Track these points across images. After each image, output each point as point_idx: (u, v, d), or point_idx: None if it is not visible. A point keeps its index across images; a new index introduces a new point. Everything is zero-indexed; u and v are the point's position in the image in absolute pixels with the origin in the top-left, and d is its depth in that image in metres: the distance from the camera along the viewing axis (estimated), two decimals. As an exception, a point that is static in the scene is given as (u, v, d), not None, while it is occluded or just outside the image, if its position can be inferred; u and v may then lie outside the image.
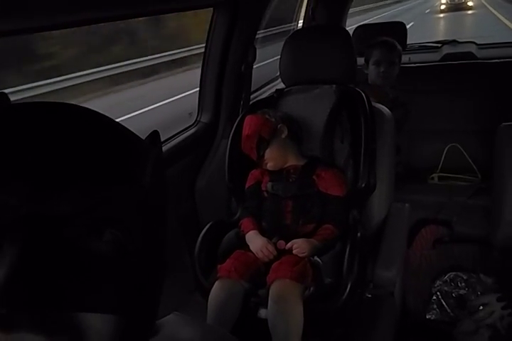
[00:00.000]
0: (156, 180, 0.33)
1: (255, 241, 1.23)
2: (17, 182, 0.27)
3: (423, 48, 2.71)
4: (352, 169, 1.32)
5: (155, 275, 0.33)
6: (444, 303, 1.49)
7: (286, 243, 1.19)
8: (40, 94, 5.23)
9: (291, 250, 1.17)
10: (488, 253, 1.50)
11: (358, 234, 1.22)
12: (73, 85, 5.86)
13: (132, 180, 0.31)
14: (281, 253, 1.19)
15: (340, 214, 1.26)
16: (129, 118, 4.77)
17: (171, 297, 0.37)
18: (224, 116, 1.70)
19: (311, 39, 1.44)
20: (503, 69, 2.12)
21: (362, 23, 2.41)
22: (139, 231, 0.31)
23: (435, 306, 1.51)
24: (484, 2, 16.94)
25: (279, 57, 1.44)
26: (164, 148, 1.45)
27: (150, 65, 7.19)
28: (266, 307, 1.10)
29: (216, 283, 1.15)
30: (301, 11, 2.45)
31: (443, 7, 16.38)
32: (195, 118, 1.72)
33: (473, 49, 2.52)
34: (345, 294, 1.11)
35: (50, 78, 5.52)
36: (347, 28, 1.76)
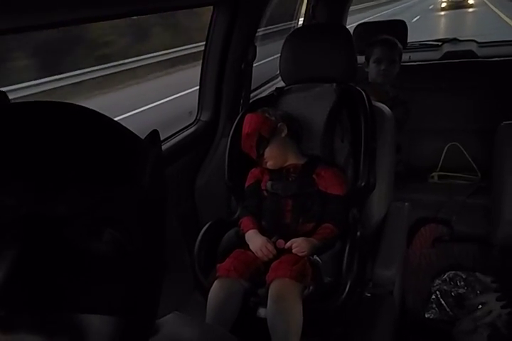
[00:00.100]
0: (156, 180, 0.33)
1: (255, 240, 1.22)
2: (17, 182, 0.27)
3: (423, 46, 2.71)
4: (352, 168, 1.32)
5: (155, 275, 0.33)
6: (443, 302, 1.49)
7: (286, 242, 1.19)
8: (102, 75, 6.30)
9: (291, 249, 1.17)
10: (488, 253, 1.50)
11: (358, 233, 1.22)
12: (133, 68, 6.88)
13: (132, 179, 0.31)
14: (281, 252, 1.19)
15: (340, 214, 1.26)
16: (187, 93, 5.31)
17: (170, 296, 0.37)
18: (224, 115, 1.70)
19: (312, 37, 1.43)
20: (503, 67, 2.12)
21: (362, 21, 2.41)
22: (138, 231, 0.30)
23: (434, 305, 1.51)
24: (485, 0, 16.91)
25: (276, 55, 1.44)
26: (164, 147, 1.45)
27: (198, 51, 7.70)
28: (265, 307, 1.10)
29: (215, 282, 1.15)
30: (301, 9, 2.45)
31: (443, 5, 16.35)
32: (195, 117, 1.72)
33: (473, 47, 2.51)
34: (345, 293, 1.11)
35: (109, 63, 6.50)
36: (347, 26, 1.76)
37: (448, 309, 1.48)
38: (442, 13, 15.45)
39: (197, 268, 1.22)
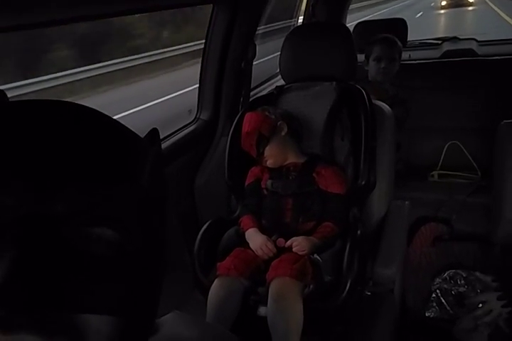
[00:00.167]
0: (155, 179, 0.33)
1: (255, 239, 1.22)
2: (16, 181, 0.27)
3: (423, 45, 2.70)
4: (352, 167, 1.32)
5: (154, 275, 0.33)
6: (443, 301, 1.49)
7: (286, 241, 1.19)
8: (136, 65, 6.89)
9: (291, 248, 1.17)
10: (488, 251, 1.50)
11: (358, 232, 1.22)
12: (163, 58, 7.44)
13: (131, 178, 0.30)
14: (281, 251, 1.19)
15: (340, 212, 1.26)
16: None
17: (170, 296, 0.37)
18: (224, 113, 1.69)
19: (312, 36, 1.43)
20: (503, 66, 2.12)
21: (362, 20, 2.41)
22: (138, 230, 0.30)
23: (434, 304, 1.51)
24: (485, -2, 16.91)
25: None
26: (163, 146, 1.45)
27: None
28: (265, 305, 1.10)
29: (216, 281, 1.15)
30: (301, 7, 2.44)
31: (444, 3, 16.34)
32: (194, 116, 1.72)
33: (473, 46, 2.51)
34: (345, 292, 1.11)
35: (143, 53, 7.11)
36: (347, 25, 1.76)
37: (448, 308, 1.48)
38: (442, 11, 15.45)
39: (197, 266, 1.22)
